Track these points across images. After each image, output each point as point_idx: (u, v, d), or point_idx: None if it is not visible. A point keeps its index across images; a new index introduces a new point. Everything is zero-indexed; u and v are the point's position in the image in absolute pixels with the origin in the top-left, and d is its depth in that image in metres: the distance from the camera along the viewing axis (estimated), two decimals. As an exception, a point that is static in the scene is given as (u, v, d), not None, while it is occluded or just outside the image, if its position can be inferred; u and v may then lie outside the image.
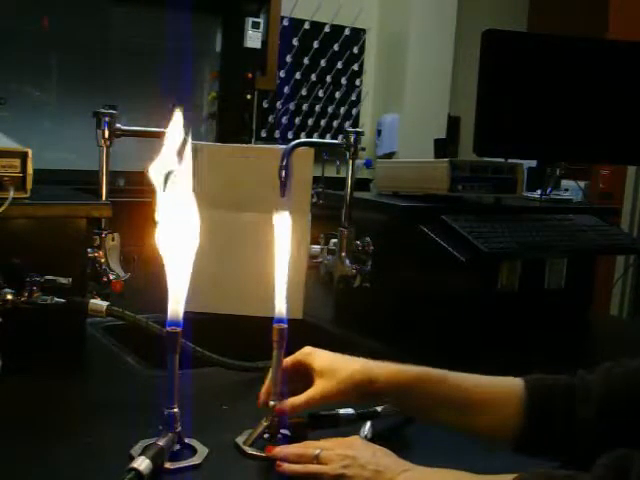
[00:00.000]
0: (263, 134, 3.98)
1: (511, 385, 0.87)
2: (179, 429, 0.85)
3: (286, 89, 4.03)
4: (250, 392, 1.09)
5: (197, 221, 0.82)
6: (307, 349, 0.94)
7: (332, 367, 0.90)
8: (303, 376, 0.92)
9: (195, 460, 0.85)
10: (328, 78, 4.15)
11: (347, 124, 4.20)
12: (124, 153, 1.60)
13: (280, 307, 0.89)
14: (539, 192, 1.75)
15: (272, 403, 0.91)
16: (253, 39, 3.55)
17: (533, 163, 1.81)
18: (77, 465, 0.85)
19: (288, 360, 0.93)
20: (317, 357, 0.92)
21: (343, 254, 1.47)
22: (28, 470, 0.83)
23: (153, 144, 1.40)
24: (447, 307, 1.43)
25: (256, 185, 1.46)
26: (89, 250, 1.30)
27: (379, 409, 0.97)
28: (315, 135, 4.13)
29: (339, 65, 4.17)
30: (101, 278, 1.31)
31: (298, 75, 4.06)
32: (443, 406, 0.86)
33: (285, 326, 0.90)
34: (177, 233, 0.81)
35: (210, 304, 1.44)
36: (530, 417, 0.84)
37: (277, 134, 4.03)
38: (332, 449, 0.83)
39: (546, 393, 0.85)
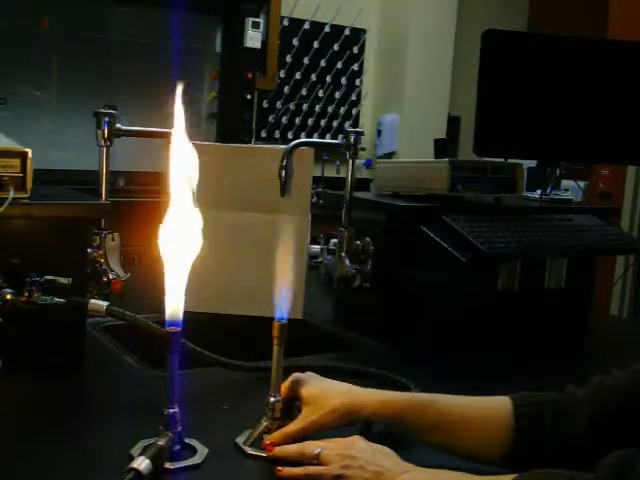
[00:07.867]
0: (263, 134, 3.98)
1: (498, 404, 0.87)
2: (179, 429, 0.85)
3: (286, 89, 4.04)
4: (250, 392, 1.09)
5: (200, 222, 0.82)
6: (295, 376, 0.94)
7: (319, 397, 0.90)
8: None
9: (195, 460, 0.85)
10: (328, 78, 4.15)
11: (347, 124, 4.21)
12: (124, 153, 1.60)
13: (280, 303, 0.89)
14: (539, 192, 1.75)
15: (272, 399, 0.91)
16: (253, 39, 3.55)
17: (533, 163, 1.81)
18: (77, 465, 0.85)
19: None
20: (305, 386, 0.92)
21: (343, 254, 1.47)
22: (28, 470, 0.83)
23: (153, 144, 1.41)
24: (447, 307, 1.43)
25: (256, 185, 1.46)
26: (89, 250, 1.30)
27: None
28: (315, 135, 4.13)
29: (339, 65, 4.17)
30: (101, 278, 1.31)
31: (298, 75, 4.06)
32: (431, 430, 0.87)
33: (285, 322, 0.90)
34: (180, 233, 0.81)
35: (210, 304, 1.44)
36: (519, 435, 0.84)
37: (277, 134, 4.03)
38: (332, 449, 0.83)
39: (534, 410, 0.85)
